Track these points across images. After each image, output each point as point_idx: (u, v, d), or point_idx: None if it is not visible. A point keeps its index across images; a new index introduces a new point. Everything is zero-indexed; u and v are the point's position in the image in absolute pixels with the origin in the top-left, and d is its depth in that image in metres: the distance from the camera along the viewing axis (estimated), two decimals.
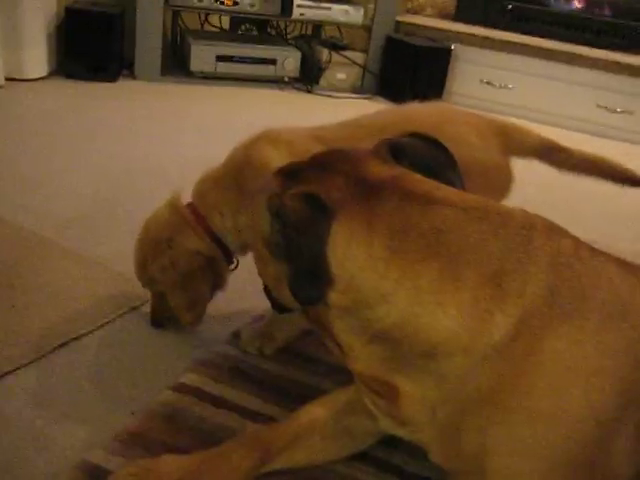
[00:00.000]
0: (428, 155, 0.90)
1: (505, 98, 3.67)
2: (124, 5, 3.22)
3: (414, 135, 0.92)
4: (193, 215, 1.24)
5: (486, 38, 3.65)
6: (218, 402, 1.13)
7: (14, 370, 1.17)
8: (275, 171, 0.88)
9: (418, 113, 1.32)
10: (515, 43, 3.63)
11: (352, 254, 0.78)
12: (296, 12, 3.40)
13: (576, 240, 0.84)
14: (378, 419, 0.95)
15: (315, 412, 1.02)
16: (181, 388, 1.15)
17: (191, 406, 1.11)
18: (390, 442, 1.05)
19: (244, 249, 1.28)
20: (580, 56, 3.54)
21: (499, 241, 0.78)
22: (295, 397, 1.16)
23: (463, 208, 0.80)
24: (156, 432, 1.05)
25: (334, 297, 0.79)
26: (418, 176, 0.84)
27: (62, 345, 1.25)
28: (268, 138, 1.20)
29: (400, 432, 0.91)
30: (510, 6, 3.94)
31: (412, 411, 0.84)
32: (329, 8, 3.46)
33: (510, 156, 1.35)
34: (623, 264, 0.86)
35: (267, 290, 0.97)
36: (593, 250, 0.85)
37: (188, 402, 1.12)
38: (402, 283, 0.77)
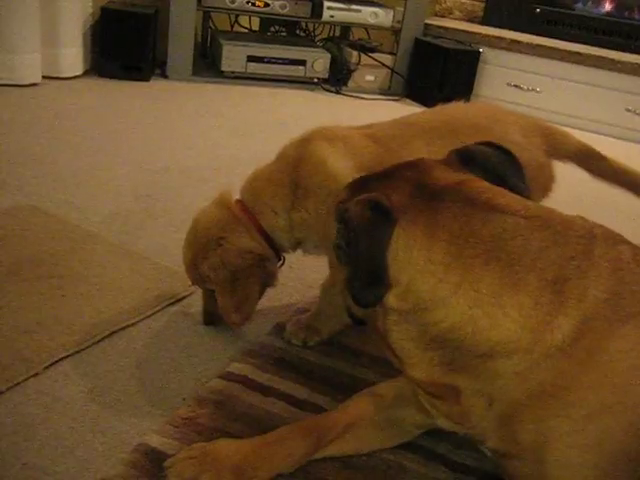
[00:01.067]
0: (497, 162, 0.93)
1: (533, 101, 3.67)
2: (157, 6, 3.28)
3: (483, 143, 0.95)
4: (244, 213, 1.25)
5: (514, 41, 3.66)
6: (266, 390, 1.16)
7: (68, 356, 1.20)
8: (345, 184, 0.92)
9: (466, 112, 1.34)
10: (543, 46, 3.63)
11: (412, 258, 0.81)
12: (326, 14, 3.43)
13: (633, 246, 0.87)
14: (435, 417, 0.98)
15: (364, 403, 1.05)
16: (229, 376, 1.18)
17: (240, 394, 1.14)
18: (435, 432, 1.07)
19: (295, 247, 1.30)
20: (608, 60, 3.54)
21: (560, 248, 0.82)
22: (340, 387, 1.19)
23: (525, 216, 0.83)
24: (207, 418, 1.08)
25: (393, 301, 0.83)
26: (483, 183, 0.87)
27: (112, 334, 1.29)
28: (323, 135, 1.22)
29: (457, 428, 0.94)
30: (538, 10, 3.96)
31: (472, 409, 0.87)
32: (359, 10, 3.49)
33: (552, 158, 1.37)
34: None
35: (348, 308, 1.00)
36: None
37: (237, 390, 1.15)
38: (461, 286, 0.80)
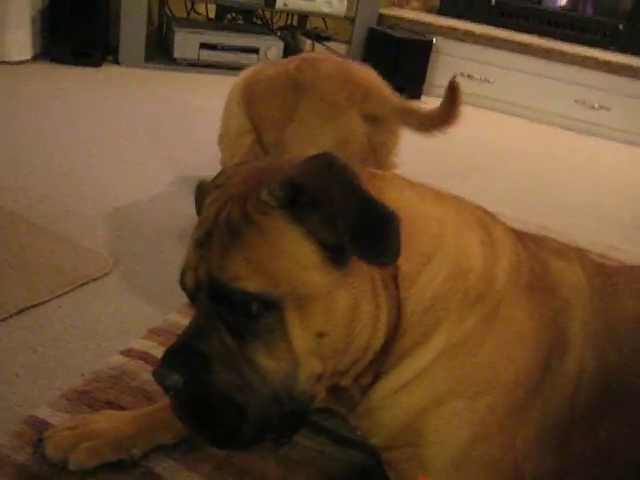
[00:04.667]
0: None
1: (486, 91, 3.72)
2: None
3: None
4: None
5: (467, 32, 3.70)
6: None
7: None
8: None
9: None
10: (496, 38, 3.68)
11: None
12: (280, 2, 3.45)
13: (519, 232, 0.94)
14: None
15: None
16: (130, 352, 1.21)
17: (138, 369, 1.17)
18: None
19: None
20: (560, 52, 3.59)
21: (487, 216, 0.91)
22: None
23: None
24: (102, 392, 1.10)
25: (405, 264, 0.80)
26: None
27: (21, 311, 1.30)
28: None
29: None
30: (494, 1, 4.00)
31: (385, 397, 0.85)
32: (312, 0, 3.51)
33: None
34: (559, 252, 0.94)
35: None
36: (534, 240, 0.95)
37: (135, 366, 1.18)
38: (445, 219, 0.86)
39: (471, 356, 0.80)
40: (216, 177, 0.88)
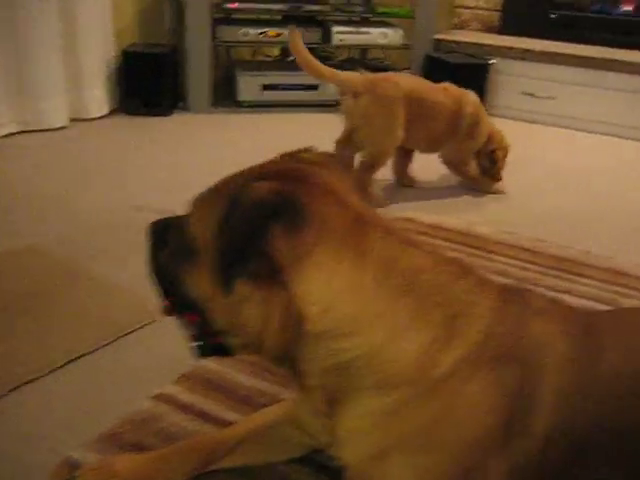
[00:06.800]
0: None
1: (549, 108, 3.70)
2: (175, 44, 3.51)
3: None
4: None
5: (526, 50, 3.70)
6: (188, 409, 1.32)
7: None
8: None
9: None
10: (556, 53, 3.66)
11: (338, 279, 0.81)
12: (335, 39, 3.59)
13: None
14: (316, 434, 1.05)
15: (254, 422, 1.18)
16: (160, 397, 1.35)
17: (164, 413, 1.31)
18: None
19: None
20: (623, 62, 3.53)
21: (459, 285, 0.88)
22: (259, 406, 1.33)
23: (429, 252, 0.90)
24: (130, 434, 1.25)
25: (311, 322, 0.82)
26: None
27: (70, 361, 1.48)
28: None
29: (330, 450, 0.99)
30: (553, 15, 3.97)
31: (346, 433, 0.91)
32: (368, 33, 3.62)
33: None
34: (542, 313, 0.94)
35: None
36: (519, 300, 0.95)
37: (162, 409, 1.32)
38: (383, 317, 0.82)
39: (408, 421, 0.85)
40: None
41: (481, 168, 2.63)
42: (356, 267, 0.82)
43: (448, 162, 2.62)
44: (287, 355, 0.87)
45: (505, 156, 2.59)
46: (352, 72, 2.43)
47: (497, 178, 2.64)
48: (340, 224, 0.83)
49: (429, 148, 2.56)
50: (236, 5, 3.49)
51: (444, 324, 0.84)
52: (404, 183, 2.67)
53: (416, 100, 2.36)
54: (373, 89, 2.31)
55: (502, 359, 0.87)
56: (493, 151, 2.57)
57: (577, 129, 3.64)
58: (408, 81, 2.42)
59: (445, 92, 2.49)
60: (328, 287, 0.81)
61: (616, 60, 3.53)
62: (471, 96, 2.54)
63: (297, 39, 2.24)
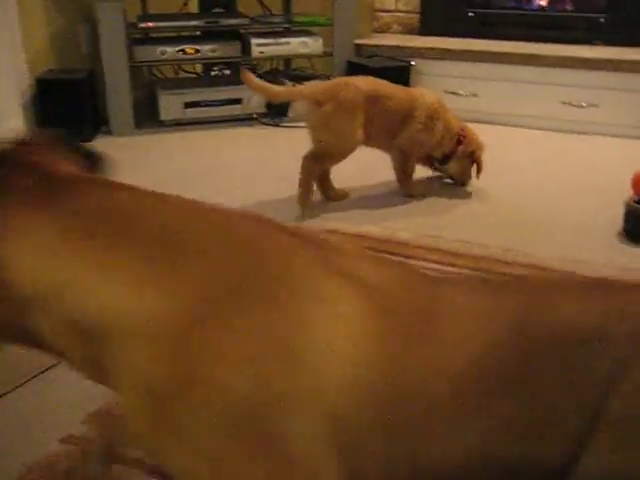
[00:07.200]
0: None
1: (472, 105, 3.74)
2: (92, 68, 3.44)
3: None
4: None
5: (446, 50, 3.74)
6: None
7: None
8: None
9: None
10: (476, 51, 3.71)
11: (41, 241, 0.77)
12: (255, 51, 3.57)
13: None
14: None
15: None
16: (68, 439, 1.31)
17: (71, 455, 1.27)
18: None
19: None
20: (539, 56, 3.59)
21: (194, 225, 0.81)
22: None
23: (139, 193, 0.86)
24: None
25: (28, 289, 0.76)
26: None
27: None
28: None
29: None
30: (471, 14, 4.03)
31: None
32: (288, 43, 3.61)
33: None
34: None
35: None
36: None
37: (70, 451, 1.27)
38: (91, 268, 0.75)
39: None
40: None
41: (450, 173, 2.76)
42: (57, 223, 0.77)
43: (399, 152, 2.58)
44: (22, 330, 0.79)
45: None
46: (312, 83, 2.65)
47: (467, 182, 2.75)
48: (37, 190, 0.79)
49: (386, 142, 2.55)
50: (151, 24, 3.45)
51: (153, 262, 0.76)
52: (335, 198, 2.63)
53: (374, 99, 2.43)
54: (335, 96, 2.37)
55: None
56: (473, 152, 2.62)
57: (500, 124, 3.69)
58: (367, 82, 2.48)
59: (403, 89, 2.60)
60: (34, 250, 0.76)
61: (532, 54, 3.59)
62: (430, 93, 2.62)
63: (249, 76, 2.41)
